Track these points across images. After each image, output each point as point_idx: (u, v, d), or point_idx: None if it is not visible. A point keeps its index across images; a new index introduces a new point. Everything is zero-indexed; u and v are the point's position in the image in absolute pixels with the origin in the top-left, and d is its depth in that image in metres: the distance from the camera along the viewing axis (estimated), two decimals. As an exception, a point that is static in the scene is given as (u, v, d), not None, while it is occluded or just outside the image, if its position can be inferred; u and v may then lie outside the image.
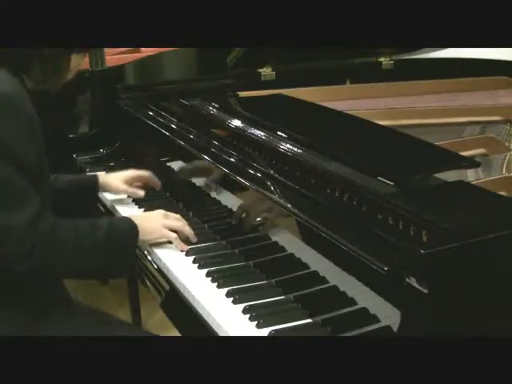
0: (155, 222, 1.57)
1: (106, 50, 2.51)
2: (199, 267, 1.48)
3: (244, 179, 1.55)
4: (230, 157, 1.67)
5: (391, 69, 2.70)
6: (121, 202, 1.91)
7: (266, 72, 2.52)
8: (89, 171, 2.21)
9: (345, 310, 1.21)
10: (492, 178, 1.48)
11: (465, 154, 1.59)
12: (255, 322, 1.24)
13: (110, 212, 1.92)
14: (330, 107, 1.94)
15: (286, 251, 1.41)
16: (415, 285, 1.02)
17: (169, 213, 1.61)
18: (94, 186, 1.84)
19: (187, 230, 1.59)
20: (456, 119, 2.01)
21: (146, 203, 1.87)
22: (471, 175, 1.50)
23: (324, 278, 1.28)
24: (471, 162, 1.47)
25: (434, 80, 2.43)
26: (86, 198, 1.90)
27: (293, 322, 1.23)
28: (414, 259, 1.04)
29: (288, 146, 1.60)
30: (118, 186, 1.84)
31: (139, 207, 1.86)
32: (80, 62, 1.54)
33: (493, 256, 1.07)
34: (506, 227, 1.08)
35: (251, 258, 1.48)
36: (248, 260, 1.49)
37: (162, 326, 2.06)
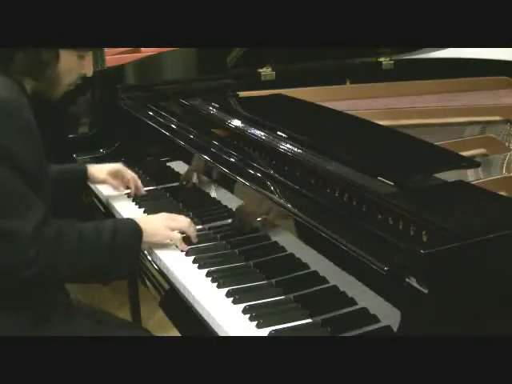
0: (159, 225, 1.57)
1: (106, 50, 2.51)
2: (199, 267, 1.48)
3: (244, 179, 1.55)
4: (230, 157, 1.67)
5: (391, 69, 2.70)
6: (117, 198, 1.92)
7: (266, 72, 2.52)
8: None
9: (345, 310, 1.21)
10: (492, 178, 1.48)
11: (465, 154, 1.59)
12: (255, 322, 1.23)
13: (106, 209, 1.93)
14: (330, 107, 1.94)
15: (286, 251, 1.41)
16: (415, 285, 1.02)
17: (173, 214, 1.61)
18: (83, 176, 1.87)
19: (192, 230, 1.59)
20: (456, 119, 2.01)
21: (146, 203, 1.87)
22: (471, 175, 1.50)
23: (324, 278, 1.28)
24: (471, 162, 1.47)
25: (434, 80, 2.43)
26: (76, 188, 1.95)
27: (293, 322, 1.23)
28: (413, 259, 1.04)
29: (288, 146, 1.60)
30: (98, 176, 1.88)
31: (139, 207, 1.86)
32: (78, 65, 1.51)
33: (493, 256, 1.07)
34: (506, 227, 1.08)
35: (251, 258, 1.48)
36: (248, 260, 1.49)
37: (162, 326, 2.05)
